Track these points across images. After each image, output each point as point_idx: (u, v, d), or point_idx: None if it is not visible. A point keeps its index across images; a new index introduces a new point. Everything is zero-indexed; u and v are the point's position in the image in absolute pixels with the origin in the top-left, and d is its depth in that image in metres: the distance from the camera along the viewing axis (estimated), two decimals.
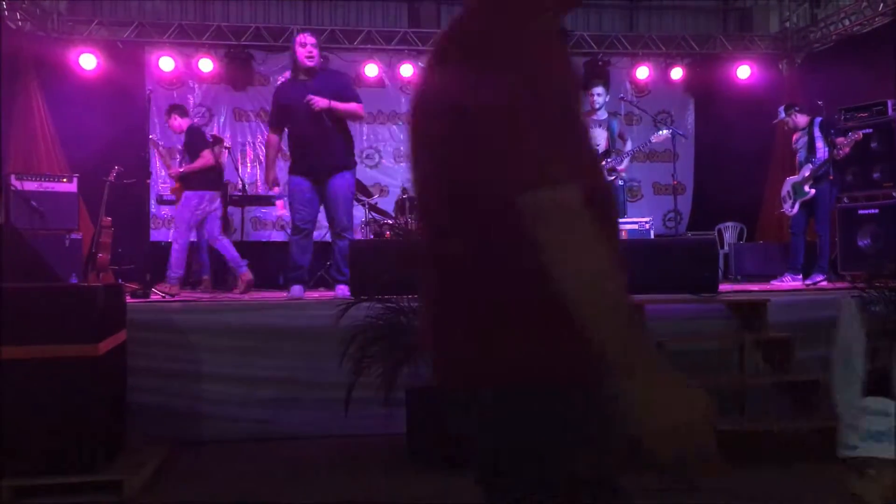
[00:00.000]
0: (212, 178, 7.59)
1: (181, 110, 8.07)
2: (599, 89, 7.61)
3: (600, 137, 7.53)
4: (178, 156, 7.72)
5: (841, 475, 4.30)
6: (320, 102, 6.04)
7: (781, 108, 7.84)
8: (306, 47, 6.19)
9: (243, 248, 9.62)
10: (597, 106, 7.53)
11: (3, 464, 3.83)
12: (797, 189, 7.55)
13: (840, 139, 7.33)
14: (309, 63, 6.15)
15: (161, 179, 10.84)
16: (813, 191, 7.44)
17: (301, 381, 5.17)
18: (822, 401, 4.90)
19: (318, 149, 6.20)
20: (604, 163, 7.47)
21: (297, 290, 6.18)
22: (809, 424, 4.89)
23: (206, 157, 7.54)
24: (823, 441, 4.72)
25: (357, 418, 4.86)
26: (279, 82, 6.58)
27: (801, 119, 7.68)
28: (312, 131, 6.14)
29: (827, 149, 7.38)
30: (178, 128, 7.98)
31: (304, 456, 4.78)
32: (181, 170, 7.67)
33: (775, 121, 7.95)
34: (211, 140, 7.88)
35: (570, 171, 1.22)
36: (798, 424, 4.97)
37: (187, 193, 7.48)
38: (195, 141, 7.61)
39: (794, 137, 7.79)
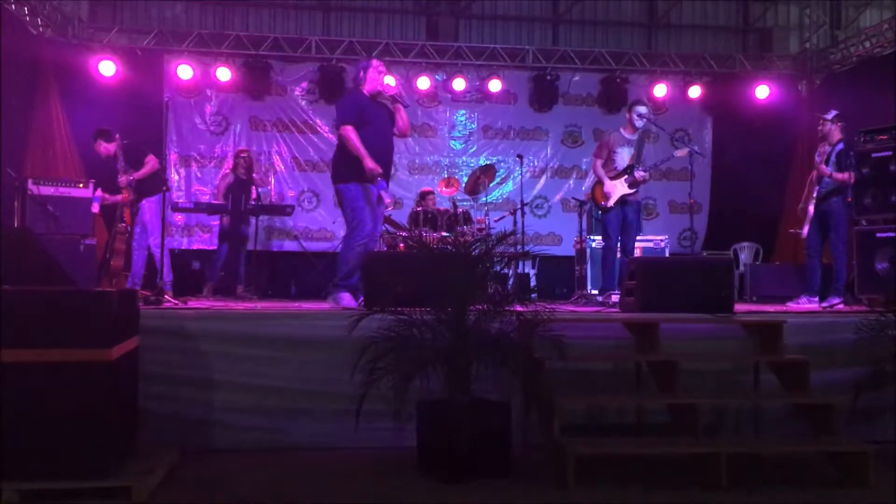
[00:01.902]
0: (161, 181, 7.53)
1: (107, 135, 7.98)
2: (643, 109, 7.57)
3: (627, 156, 7.51)
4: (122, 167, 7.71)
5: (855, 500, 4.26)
6: (393, 90, 6.49)
7: (834, 112, 7.67)
8: (382, 73, 6.47)
9: (256, 257, 9.65)
10: (638, 125, 7.52)
11: (14, 467, 3.82)
12: (805, 209, 7.52)
13: (826, 169, 7.30)
14: (382, 90, 6.46)
15: (176, 187, 10.91)
16: (812, 211, 7.40)
17: (312, 391, 5.14)
18: (837, 424, 4.85)
19: (389, 161, 6.51)
20: (624, 178, 7.44)
21: (348, 298, 6.09)
22: (823, 448, 4.83)
23: (152, 162, 7.70)
24: (837, 465, 4.67)
25: (367, 430, 4.82)
26: (354, 91, 6.58)
27: (836, 135, 7.56)
28: (386, 144, 6.50)
29: (836, 175, 7.30)
30: (104, 152, 7.96)
31: (314, 467, 4.75)
32: (134, 176, 7.63)
33: (821, 115, 7.75)
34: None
35: None
36: (812, 448, 4.91)
37: (153, 199, 7.55)
38: (136, 151, 7.66)
39: (819, 148, 7.69)
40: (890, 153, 8.04)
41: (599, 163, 7.63)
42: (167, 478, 4.30)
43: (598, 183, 7.60)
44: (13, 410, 3.86)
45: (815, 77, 11.67)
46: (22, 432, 3.85)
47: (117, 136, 7.77)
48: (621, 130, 7.67)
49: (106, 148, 7.96)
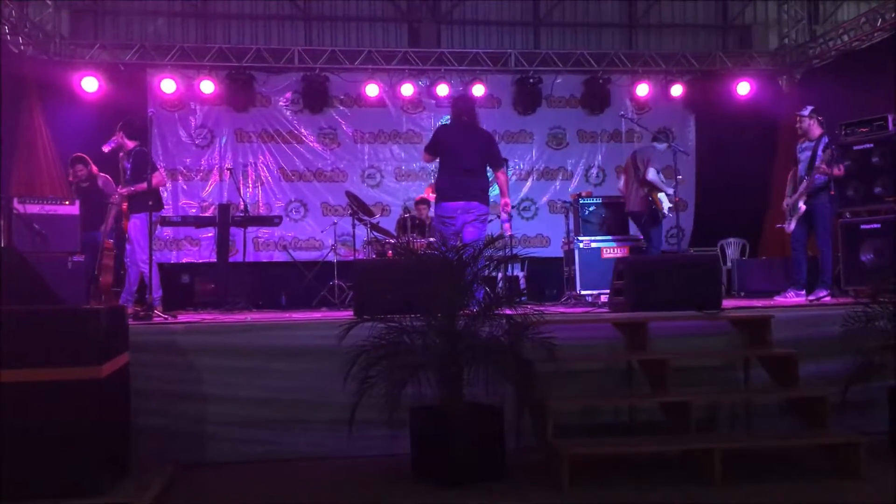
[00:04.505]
0: (148, 197, 7.44)
1: (132, 130, 7.83)
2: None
3: None
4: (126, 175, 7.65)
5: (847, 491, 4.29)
6: None
7: (810, 107, 7.71)
8: None
9: (245, 268, 9.65)
10: None
11: (7, 488, 3.81)
12: (793, 205, 7.55)
13: (823, 167, 7.31)
14: None
15: (164, 201, 10.87)
16: (804, 207, 7.42)
17: (305, 401, 5.15)
18: (828, 416, 4.88)
19: None
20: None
21: None
22: (815, 441, 4.86)
23: (158, 179, 7.62)
24: (830, 457, 4.71)
25: (361, 439, 4.85)
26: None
27: (816, 130, 7.57)
28: None
29: (829, 169, 7.32)
30: (126, 145, 7.73)
31: (309, 477, 4.76)
32: (136, 188, 7.56)
33: (797, 112, 7.80)
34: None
35: None
36: (804, 441, 4.94)
37: (141, 216, 7.48)
38: (144, 163, 7.52)
39: (800, 145, 7.72)
40: (871, 145, 8.11)
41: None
42: (162, 493, 4.29)
43: (655, 190, 7.99)
44: (4, 430, 3.85)
45: (795, 72, 11.75)
46: (14, 452, 3.85)
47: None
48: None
49: (127, 143, 7.73)
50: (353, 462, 4.98)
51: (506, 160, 6.92)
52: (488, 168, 7.08)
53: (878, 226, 7.85)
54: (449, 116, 7.06)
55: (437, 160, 6.98)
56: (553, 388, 4.91)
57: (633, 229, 9.19)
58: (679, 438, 4.80)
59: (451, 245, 6.54)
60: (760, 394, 5.37)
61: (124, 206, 7.51)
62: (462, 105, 7.10)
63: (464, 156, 6.76)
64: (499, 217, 9.61)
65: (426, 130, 11.69)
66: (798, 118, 7.71)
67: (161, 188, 8.02)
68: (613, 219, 8.99)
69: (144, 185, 7.23)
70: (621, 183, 9.04)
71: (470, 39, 12.24)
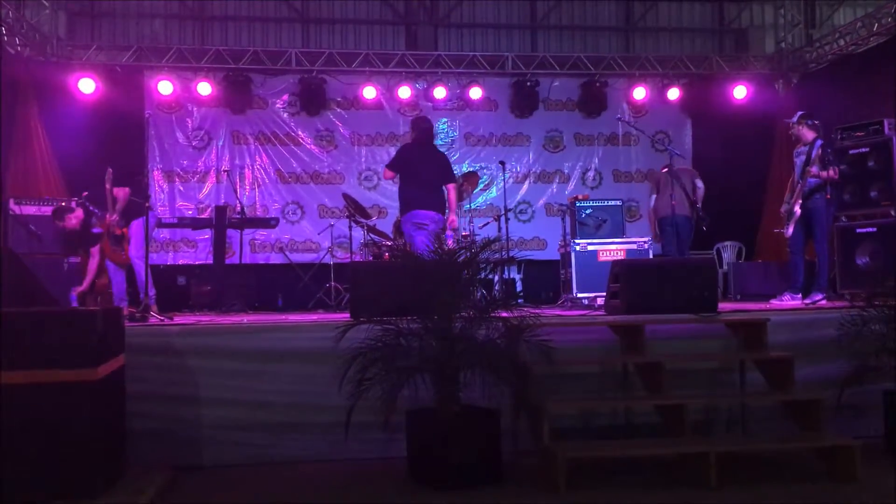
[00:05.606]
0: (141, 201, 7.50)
1: (68, 209, 7.86)
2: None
3: None
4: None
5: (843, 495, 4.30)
6: None
7: (800, 112, 7.75)
8: None
9: (242, 270, 9.63)
10: None
11: (2, 490, 3.80)
12: (789, 210, 7.56)
13: (813, 170, 7.32)
14: None
15: (160, 203, 10.88)
16: (799, 210, 7.43)
17: (301, 404, 5.14)
18: (823, 420, 4.89)
19: None
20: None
21: None
22: (810, 444, 4.87)
23: (122, 194, 7.62)
24: (825, 460, 4.71)
25: (357, 441, 4.84)
26: None
27: (808, 134, 7.59)
28: None
29: (821, 172, 7.33)
30: (76, 220, 7.78)
31: (306, 480, 4.75)
32: (117, 212, 7.58)
33: (787, 119, 7.86)
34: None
35: None
36: (799, 444, 4.95)
37: (139, 220, 7.52)
38: (102, 193, 7.53)
39: (796, 150, 7.75)
40: (867, 149, 8.13)
41: None
42: (158, 496, 4.28)
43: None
44: None
45: (792, 76, 11.77)
46: (8, 454, 3.84)
47: (74, 203, 7.81)
48: None
49: (75, 216, 7.78)
50: (349, 465, 4.97)
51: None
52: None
53: (874, 229, 7.87)
54: (411, 136, 7.60)
55: (398, 176, 7.48)
56: (549, 390, 4.91)
57: (631, 232, 9.23)
58: (675, 441, 4.80)
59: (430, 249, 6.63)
60: (756, 397, 5.37)
61: (122, 231, 7.52)
62: (424, 126, 7.59)
63: (428, 173, 7.31)
64: (496, 219, 9.67)
65: None
66: (789, 125, 7.76)
67: (126, 196, 7.94)
68: (610, 222, 9.00)
69: (121, 196, 7.33)
70: (652, 199, 9.10)
71: (467, 42, 12.26)
